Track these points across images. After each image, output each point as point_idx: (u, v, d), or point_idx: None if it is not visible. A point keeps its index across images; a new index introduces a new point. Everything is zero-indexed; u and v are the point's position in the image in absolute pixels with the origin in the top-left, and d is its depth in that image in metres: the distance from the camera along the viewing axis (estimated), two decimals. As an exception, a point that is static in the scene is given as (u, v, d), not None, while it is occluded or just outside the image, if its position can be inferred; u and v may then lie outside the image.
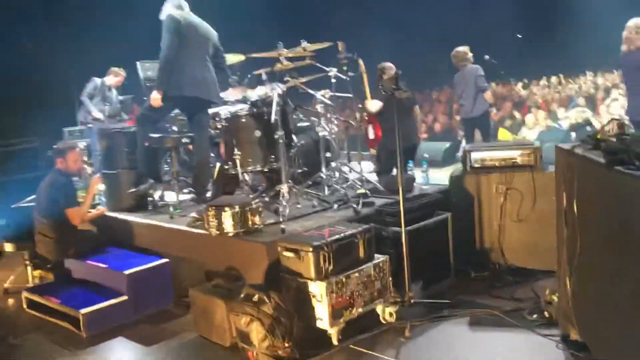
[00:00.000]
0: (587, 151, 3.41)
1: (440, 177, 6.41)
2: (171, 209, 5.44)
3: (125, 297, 4.82)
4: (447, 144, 11.17)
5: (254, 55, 5.32)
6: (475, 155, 5.28)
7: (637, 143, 2.97)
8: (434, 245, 4.87)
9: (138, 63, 6.65)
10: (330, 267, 3.95)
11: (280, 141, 4.86)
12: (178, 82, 5.33)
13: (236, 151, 4.96)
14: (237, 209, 4.48)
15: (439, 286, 4.85)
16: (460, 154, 9.74)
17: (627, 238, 2.73)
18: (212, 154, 6.33)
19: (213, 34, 5.75)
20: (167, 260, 5.09)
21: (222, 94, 6.34)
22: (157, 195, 6.00)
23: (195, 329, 4.44)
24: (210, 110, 5.96)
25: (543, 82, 19.61)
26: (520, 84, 19.50)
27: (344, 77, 5.61)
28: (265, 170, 5.18)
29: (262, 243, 4.28)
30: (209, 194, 5.92)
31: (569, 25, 16.28)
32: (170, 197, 5.87)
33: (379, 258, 4.29)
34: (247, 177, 5.20)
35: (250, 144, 5.02)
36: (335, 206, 5.11)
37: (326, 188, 5.38)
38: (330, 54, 5.60)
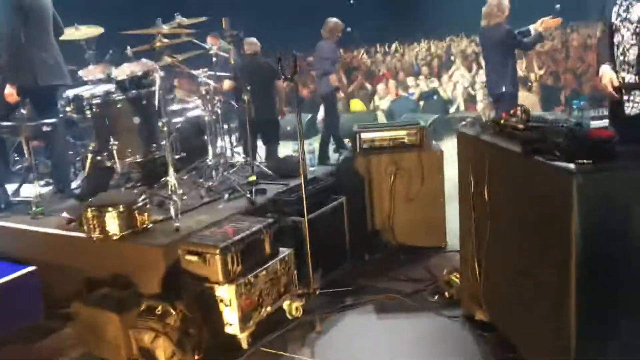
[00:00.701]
0: (494, 137, 3.44)
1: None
2: (34, 208, 4.74)
3: (-14, 315, 4.14)
4: (309, 116, 11.12)
5: (130, 32, 4.70)
6: (364, 136, 5.21)
7: (554, 133, 3.03)
8: (331, 231, 4.76)
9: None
10: (238, 268, 3.67)
11: (165, 129, 4.39)
12: (31, 70, 4.60)
13: (112, 140, 4.40)
14: (122, 208, 3.99)
15: (337, 273, 4.76)
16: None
17: (543, 226, 2.79)
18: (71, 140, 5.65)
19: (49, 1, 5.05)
20: (34, 268, 4.44)
21: (80, 72, 5.65)
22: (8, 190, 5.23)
23: (83, 345, 3.92)
24: (70, 92, 5.28)
25: (382, 50, 20.35)
26: (362, 52, 20.07)
27: (226, 54, 5.22)
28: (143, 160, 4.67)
29: (157, 246, 3.86)
30: (73, 187, 5.29)
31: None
32: (27, 192, 5.13)
33: (284, 252, 4.07)
34: (119, 168, 4.64)
35: (128, 132, 4.50)
36: (226, 196, 4.77)
37: (214, 175, 5.00)
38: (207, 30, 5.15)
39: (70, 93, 5.30)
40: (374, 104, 12.32)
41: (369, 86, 13.36)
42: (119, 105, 4.44)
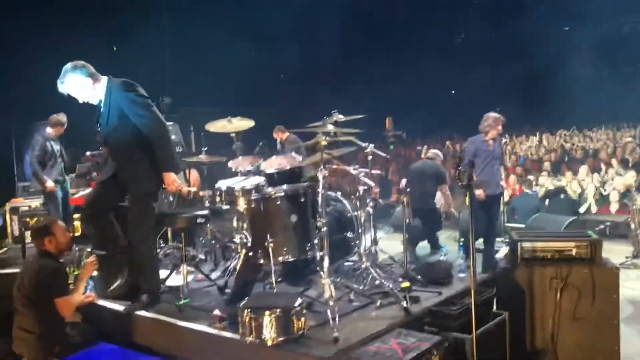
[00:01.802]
0: None
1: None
2: (183, 301, 4.65)
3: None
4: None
5: (298, 130, 4.67)
6: (526, 245, 4.81)
7: None
8: (492, 350, 4.30)
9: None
10: (409, 394, 3.31)
11: (324, 229, 4.22)
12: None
13: (269, 238, 4.26)
14: (279, 312, 3.78)
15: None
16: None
17: None
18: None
19: None
20: (181, 364, 4.29)
21: (230, 163, 5.69)
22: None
23: None
24: (221, 183, 5.30)
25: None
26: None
27: (383, 154, 5.07)
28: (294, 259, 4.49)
29: (317, 358, 3.57)
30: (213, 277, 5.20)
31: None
32: (174, 280, 5.09)
33: (452, 375, 3.67)
34: (272, 267, 4.45)
35: (285, 230, 4.35)
36: (379, 302, 4.47)
37: (363, 277, 4.73)
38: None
39: (222, 184, 5.31)
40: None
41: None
42: (278, 202, 4.33)
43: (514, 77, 18.95)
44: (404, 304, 4.34)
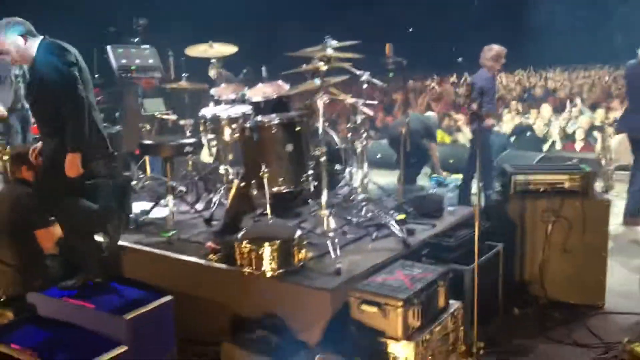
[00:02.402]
0: None
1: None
2: (170, 233, 4.47)
3: (124, 348, 3.82)
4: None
5: (294, 54, 4.38)
6: (518, 178, 4.77)
7: None
8: (487, 282, 4.30)
9: (109, 48, 5.47)
10: (418, 324, 3.27)
11: (322, 159, 4.06)
12: None
13: (264, 167, 4.08)
14: (279, 243, 3.65)
15: (489, 328, 4.30)
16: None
17: None
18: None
19: None
20: (170, 297, 4.13)
21: (213, 90, 5.42)
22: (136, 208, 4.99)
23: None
24: (206, 111, 5.04)
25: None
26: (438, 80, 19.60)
27: (379, 82, 4.87)
28: (288, 190, 4.33)
29: (323, 289, 3.49)
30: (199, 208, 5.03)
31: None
32: (158, 212, 4.89)
33: (453, 305, 3.65)
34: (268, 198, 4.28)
35: (280, 160, 4.16)
36: (375, 235, 4.39)
37: (358, 209, 4.63)
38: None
39: (206, 112, 5.06)
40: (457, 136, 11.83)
41: (455, 115, 12.80)
42: (274, 131, 4.12)
43: (472, 16, 18.81)
44: (402, 235, 4.28)
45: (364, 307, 3.27)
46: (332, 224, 4.03)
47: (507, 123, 12.56)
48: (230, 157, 4.97)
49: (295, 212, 4.99)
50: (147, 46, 5.58)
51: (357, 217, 4.55)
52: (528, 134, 12.01)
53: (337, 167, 5.21)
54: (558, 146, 11.60)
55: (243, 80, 5.44)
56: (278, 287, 3.67)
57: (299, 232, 3.79)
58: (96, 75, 7.00)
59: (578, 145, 11.34)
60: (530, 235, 4.75)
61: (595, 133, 10.90)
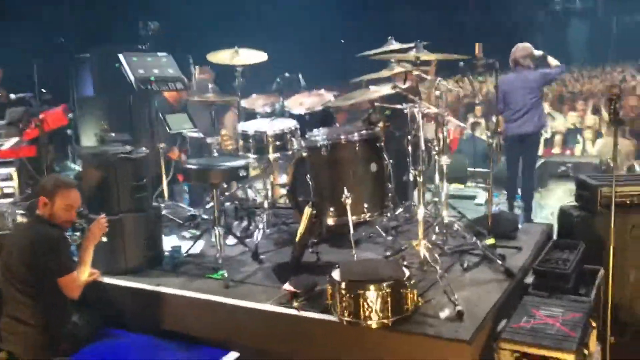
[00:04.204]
0: None
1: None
2: (220, 273, 3.73)
3: None
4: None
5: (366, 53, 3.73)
6: (605, 190, 4.29)
7: None
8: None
9: (122, 56, 4.64)
10: (583, 378, 2.69)
11: (420, 178, 3.43)
12: None
13: (346, 192, 3.42)
14: (387, 285, 2.99)
15: None
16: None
17: None
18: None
19: None
20: (236, 355, 3.41)
21: (243, 102, 4.75)
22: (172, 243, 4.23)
23: None
24: (246, 127, 4.36)
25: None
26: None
27: (454, 88, 4.30)
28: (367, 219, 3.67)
29: (460, 341, 2.84)
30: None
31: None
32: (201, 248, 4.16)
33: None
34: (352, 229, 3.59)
35: (364, 183, 3.51)
36: (466, 264, 3.79)
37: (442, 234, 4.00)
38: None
39: (246, 128, 4.35)
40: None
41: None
42: (357, 148, 3.46)
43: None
44: (500, 263, 3.70)
45: (521, 362, 2.65)
46: (429, 255, 3.40)
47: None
48: (281, 178, 4.28)
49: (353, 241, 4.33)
50: (164, 53, 4.81)
51: (443, 243, 3.93)
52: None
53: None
54: (540, 151, 11.44)
55: (277, 90, 4.74)
56: (389, 339, 3.00)
57: (406, 271, 3.14)
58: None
59: (556, 149, 11.20)
60: (620, 254, 4.26)
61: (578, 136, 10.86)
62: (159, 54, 4.77)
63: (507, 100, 6.36)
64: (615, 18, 18.32)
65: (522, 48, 6.26)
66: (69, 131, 7.32)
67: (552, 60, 6.39)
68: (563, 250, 3.97)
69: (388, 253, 3.90)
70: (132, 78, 4.49)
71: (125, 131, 5.58)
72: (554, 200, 8.15)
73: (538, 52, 6.40)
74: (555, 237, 4.58)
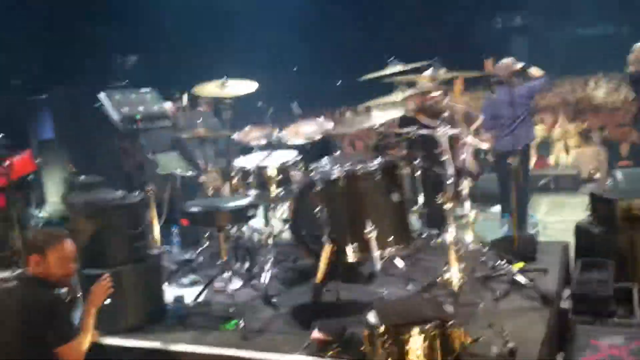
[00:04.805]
0: None
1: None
2: (237, 321, 3.40)
3: None
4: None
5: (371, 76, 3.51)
6: (623, 204, 4.14)
7: None
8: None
9: (103, 95, 4.29)
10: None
11: (448, 205, 3.20)
12: None
13: (369, 226, 3.15)
14: (431, 326, 2.73)
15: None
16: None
17: None
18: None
19: None
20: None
21: (235, 135, 4.47)
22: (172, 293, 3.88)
23: None
24: (244, 162, 4.07)
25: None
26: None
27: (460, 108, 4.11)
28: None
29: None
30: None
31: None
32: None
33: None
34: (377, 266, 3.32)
35: (386, 215, 3.26)
36: (498, 293, 3.55)
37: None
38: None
39: (244, 163, 4.07)
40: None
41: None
42: (377, 178, 3.21)
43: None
44: (535, 288, 3.48)
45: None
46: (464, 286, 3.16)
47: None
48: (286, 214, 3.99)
49: (368, 274, 4.07)
50: (148, 89, 4.49)
51: (471, 271, 3.68)
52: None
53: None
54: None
55: (270, 121, 4.47)
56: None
57: (449, 307, 2.88)
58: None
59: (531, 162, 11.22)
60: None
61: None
62: (142, 89, 4.45)
63: (496, 116, 6.24)
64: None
65: (506, 66, 6.13)
66: (29, 177, 6.84)
67: (536, 71, 6.32)
68: (591, 270, 3.79)
69: (410, 287, 3.65)
70: (116, 117, 4.15)
71: (92, 173, 5.23)
72: (541, 215, 8.08)
73: (519, 65, 6.32)
74: (573, 254, 4.41)
